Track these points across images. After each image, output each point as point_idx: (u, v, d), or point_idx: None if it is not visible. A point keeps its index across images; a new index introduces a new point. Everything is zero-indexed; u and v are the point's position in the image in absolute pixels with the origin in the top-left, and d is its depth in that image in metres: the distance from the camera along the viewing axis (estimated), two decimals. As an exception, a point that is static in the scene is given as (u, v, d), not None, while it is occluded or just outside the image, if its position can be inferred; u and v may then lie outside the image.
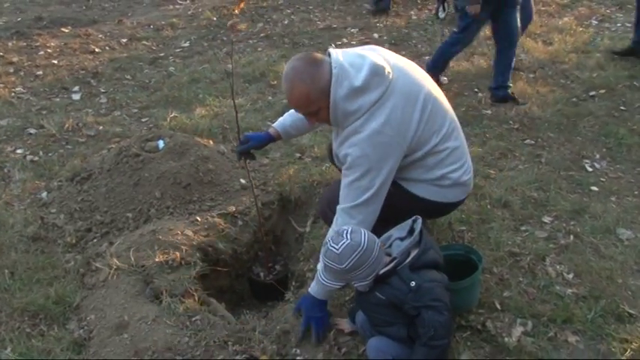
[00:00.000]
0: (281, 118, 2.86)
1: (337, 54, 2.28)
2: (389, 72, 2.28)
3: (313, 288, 2.45)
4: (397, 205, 2.39)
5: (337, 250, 2.06)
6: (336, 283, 2.17)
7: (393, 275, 2.12)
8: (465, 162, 2.58)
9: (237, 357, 2.38)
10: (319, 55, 2.29)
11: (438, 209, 2.67)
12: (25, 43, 6.57)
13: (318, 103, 2.26)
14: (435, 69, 5.01)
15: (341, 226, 2.23)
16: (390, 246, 2.25)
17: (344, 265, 2.06)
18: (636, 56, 5.59)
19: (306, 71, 2.22)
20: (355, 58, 2.28)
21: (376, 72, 2.25)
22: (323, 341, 2.44)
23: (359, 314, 2.41)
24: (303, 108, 2.32)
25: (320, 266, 2.27)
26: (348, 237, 2.07)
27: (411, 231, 2.24)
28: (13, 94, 5.24)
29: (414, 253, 2.14)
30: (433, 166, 2.45)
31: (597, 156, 3.97)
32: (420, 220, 2.21)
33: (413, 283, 2.07)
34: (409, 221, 2.26)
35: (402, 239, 2.23)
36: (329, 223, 2.78)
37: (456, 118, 2.57)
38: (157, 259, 2.84)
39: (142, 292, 2.71)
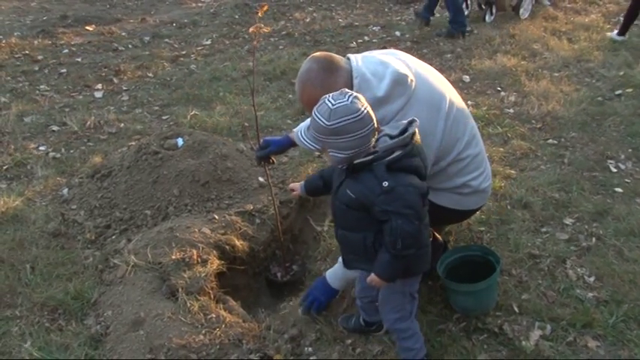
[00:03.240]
0: (303, 124, 2.81)
1: (358, 61, 2.24)
2: (412, 80, 2.24)
3: (330, 272, 2.51)
4: None
5: (332, 105, 1.88)
6: (312, 143, 1.97)
7: (367, 172, 1.94)
8: (485, 168, 2.53)
9: (252, 356, 2.38)
10: (337, 60, 2.23)
11: (457, 216, 2.65)
12: (50, 42, 6.68)
13: None
14: None
15: None
16: (377, 140, 2.03)
17: (330, 123, 1.87)
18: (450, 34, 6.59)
19: (319, 77, 2.18)
20: (377, 66, 2.24)
21: (399, 81, 2.21)
22: (307, 314, 2.59)
23: (358, 283, 2.39)
24: (311, 110, 2.30)
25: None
26: (349, 99, 1.89)
27: (403, 131, 2.01)
28: (37, 91, 5.33)
29: (397, 153, 1.94)
30: (454, 175, 2.41)
31: (622, 156, 3.88)
32: (416, 123, 2.01)
33: (386, 184, 1.89)
34: (404, 122, 2.04)
35: (391, 137, 2.00)
36: None
37: (475, 124, 2.53)
38: (173, 257, 2.85)
39: (159, 289, 2.72)
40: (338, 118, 1.87)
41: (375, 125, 1.94)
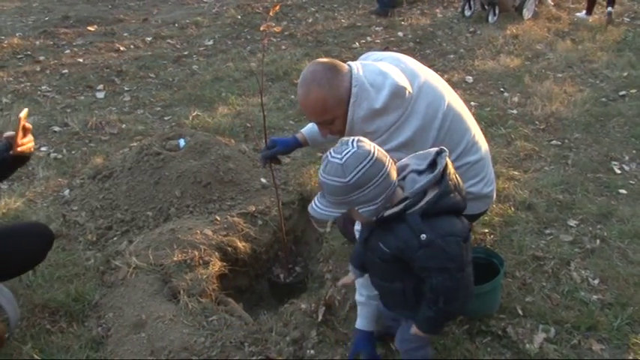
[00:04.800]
0: (309, 125, 2.77)
1: (358, 69, 2.19)
2: (409, 92, 2.21)
3: (358, 323, 2.37)
4: None
5: (340, 159, 1.67)
6: (334, 210, 1.75)
7: (401, 222, 1.73)
8: (486, 174, 2.48)
9: (253, 358, 2.37)
10: (340, 63, 2.20)
11: None
12: (51, 42, 6.68)
13: (333, 112, 2.17)
14: None
15: None
16: (404, 179, 1.82)
17: (347, 179, 1.66)
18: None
19: (325, 76, 2.12)
20: (376, 77, 2.19)
21: (397, 94, 2.17)
22: None
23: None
24: (318, 115, 2.21)
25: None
26: (354, 145, 1.69)
27: (432, 165, 1.80)
28: (39, 92, 5.32)
29: (430, 195, 1.72)
30: None
31: (626, 158, 3.86)
32: (445, 153, 1.78)
33: (424, 237, 1.68)
34: (432, 151, 1.81)
35: (419, 173, 1.79)
36: (349, 237, 2.72)
37: (478, 130, 2.48)
38: (175, 258, 2.84)
39: (160, 291, 2.71)
40: (354, 170, 1.67)
41: (389, 158, 1.75)
